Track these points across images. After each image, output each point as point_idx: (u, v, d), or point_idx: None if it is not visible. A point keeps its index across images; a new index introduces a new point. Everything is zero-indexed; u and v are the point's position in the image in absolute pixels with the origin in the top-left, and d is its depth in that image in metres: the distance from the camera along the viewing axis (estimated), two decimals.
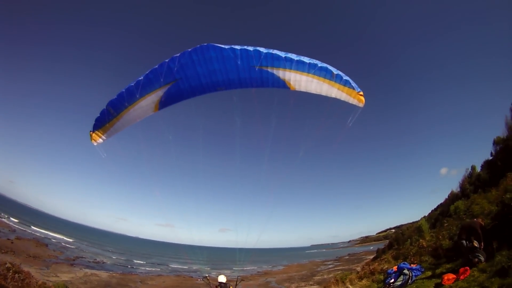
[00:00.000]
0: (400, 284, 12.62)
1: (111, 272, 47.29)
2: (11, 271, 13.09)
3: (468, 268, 9.65)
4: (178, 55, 8.56)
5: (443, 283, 9.83)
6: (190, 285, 47.75)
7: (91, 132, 9.57)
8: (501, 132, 21.55)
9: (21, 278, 13.57)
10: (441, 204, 33.50)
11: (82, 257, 56.84)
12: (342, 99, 9.36)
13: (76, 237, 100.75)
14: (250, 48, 8.57)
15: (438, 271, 11.99)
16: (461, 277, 9.42)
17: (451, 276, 9.92)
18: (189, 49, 8.51)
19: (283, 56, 8.67)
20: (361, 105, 9.33)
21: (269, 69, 8.94)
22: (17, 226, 73.34)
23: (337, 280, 20.69)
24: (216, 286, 9.11)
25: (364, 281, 17.39)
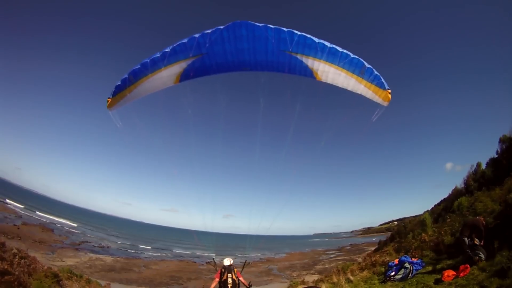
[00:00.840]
0: (400, 277, 12.83)
1: (115, 257, 48.37)
2: (17, 256, 13.02)
3: (468, 265, 9.82)
4: (209, 31, 8.42)
5: (443, 279, 10.01)
6: (193, 270, 48.67)
7: (109, 98, 9.39)
8: (507, 130, 21.48)
9: (27, 263, 13.68)
10: (444, 199, 33.48)
11: (87, 242, 58.02)
12: (368, 96, 9.27)
13: (81, 222, 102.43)
14: (284, 30, 8.35)
15: (438, 266, 12.16)
16: (461, 274, 9.63)
17: (451, 272, 10.12)
18: (222, 26, 8.35)
19: (316, 43, 8.47)
20: (386, 103, 9.23)
21: (299, 56, 8.79)
22: (23, 212, 74.60)
23: (338, 270, 21.02)
24: (221, 269, 9.00)
25: (365, 273, 17.65)
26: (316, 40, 8.47)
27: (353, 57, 8.63)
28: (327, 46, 8.52)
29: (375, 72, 8.80)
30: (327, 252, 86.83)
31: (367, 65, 8.70)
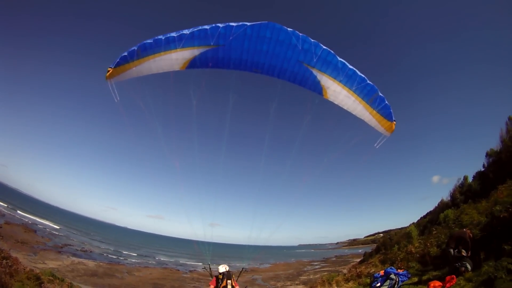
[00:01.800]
0: None
1: (98, 261, 47.30)
2: None
3: (454, 276, 9.74)
4: (234, 24, 8.09)
5: None
6: (176, 277, 47.84)
7: (110, 68, 8.64)
8: (494, 144, 21.80)
9: (9, 264, 13.38)
10: (430, 211, 33.78)
11: (70, 245, 56.69)
12: (370, 124, 9.26)
13: (65, 224, 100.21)
14: (310, 40, 8.12)
15: (424, 277, 12.13)
16: (447, 285, 9.51)
17: (437, 283, 10.01)
18: (248, 23, 8.04)
19: (337, 62, 8.32)
20: (388, 134, 9.22)
21: (314, 71, 8.59)
22: (6, 211, 72.76)
23: (323, 281, 20.81)
24: (217, 276, 8.60)
25: (350, 284, 17.48)
26: (338, 58, 8.31)
27: (368, 83, 8.54)
28: (347, 66, 8.38)
29: (385, 102, 8.75)
30: (312, 263, 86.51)
31: (379, 93, 8.63)
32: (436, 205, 30.44)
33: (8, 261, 13.34)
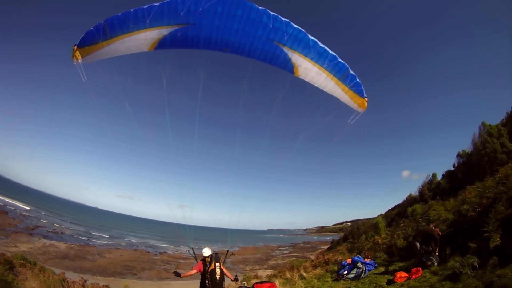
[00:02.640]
0: (353, 277, 13.02)
1: (69, 243, 47.05)
2: None
3: (420, 268, 10.14)
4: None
5: (395, 280, 10.23)
6: (147, 259, 48.21)
7: (76, 47, 8.00)
8: (466, 146, 22.69)
9: None
10: (398, 205, 35.02)
11: (41, 227, 56.27)
12: (343, 100, 9.27)
13: (35, 205, 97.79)
14: (281, 19, 7.92)
15: (391, 268, 12.49)
16: (413, 276, 9.88)
17: (403, 274, 10.36)
18: None
19: (308, 40, 8.19)
20: (361, 110, 9.29)
21: (285, 49, 8.46)
22: None
23: (292, 267, 21.14)
24: (205, 258, 8.06)
25: (318, 270, 17.81)
26: (309, 36, 8.20)
27: (339, 61, 8.55)
28: (318, 44, 8.30)
29: (357, 80, 8.82)
30: (280, 248, 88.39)
31: (351, 71, 8.69)
32: (405, 199, 31.59)
33: None
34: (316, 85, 9.19)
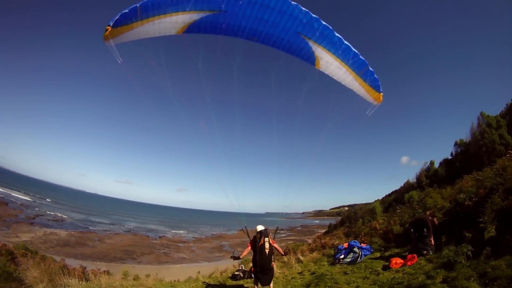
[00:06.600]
0: (349, 261, 13.23)
1: (70, 231, 47.97)
2: None
3: (415, 255, 10.33)
4: None
5: (390, 266, 10.38)
6: (146, 244, 49.19)
7: (109, 27, 7.71)
8: (464, 135, 22.76)
9: None
10: (395, 191, 35.37)
11: (42, 215, 57.30)
12: (359, 93, 9.81)
13: (35, 194, 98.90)
14: (311, 14, 8.26)
15: (387, 253, 12.68)
16: (408, 263, 10.07)
17: (398, 260, 10.53)
18: None
19: (334, 36, 8.60)
20: (376, 103, 9.88)
21: (310, 42, 8.81)
22: None
23: (289, 250, 21.50)
24: (256, 235, 8.66)
25: (315, 254, 18.12)
26: (335, 33, 8.64)
27: (360, 58, 9.05)
28: (342, 41, 8.73)
29: (375, 76, 9.39)
30: (279, 231, 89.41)
31: (370, 68, 9.25)
32: (402, 185, 31.92)
33: None
34: (335, 78, 9.70)
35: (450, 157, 23.60)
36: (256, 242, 8.51)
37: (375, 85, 9.53)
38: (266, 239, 8.47)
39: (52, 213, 65.02)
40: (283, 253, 9.34)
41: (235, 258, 9.16)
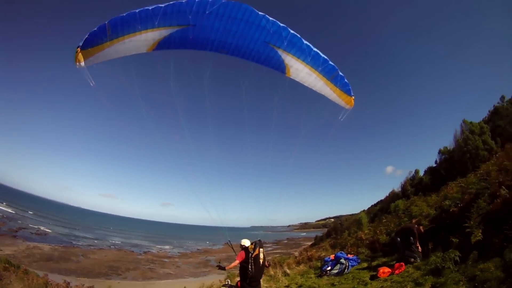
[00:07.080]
0: (336, 272, 13.03)
1: (53, 245, 46.51)
2: None
3: (403, 263, 10.17)
4: (208, 0, 7.75)
5: (378, 275, 10.24)
6: (131, 259, 47.95)
7: (79, 49, 7.52)
8: (447, 143, 23.05)
9: None
10: (381, 200, 35.56)
11: (25, 228, 55.60)
12: (331, 98, 9.81)
13: (18, 207, 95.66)
14: (279, 24, 8.28)
15: (374, 263, 12.54)
16: (396, 271, 9.90)
17: (386, 269, 10.38)
18: (220, 1, 7.79)
19: (303, 44, 8.63)
20: (348, 107, 9.88)
21: (279, 51, 8.83)
22: None
23: (275, 263, 21.09)
24: (247, 247, 8.23)
25: (301, 266, 17.83)
26: (304, 41, 8.70)
27: (330, 63, 9.13)
28: (311, 48, 8.77)
29: (345, 80, 9.45)
30: (264, 245, 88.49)
31: (339, 72, 9.31)
32: (387, 195, 32.04)
33: None
34: (306, 84, 9.70)
35: (434, 165, 23.85)
36: (248, 253, 8.13)
37: (346, 89, 9.59)
38: (261, 249, 8.24)
39: (35, 226, 62.83)
40: (267, 265, 8.88)
41: (220, 267, 8.76)
